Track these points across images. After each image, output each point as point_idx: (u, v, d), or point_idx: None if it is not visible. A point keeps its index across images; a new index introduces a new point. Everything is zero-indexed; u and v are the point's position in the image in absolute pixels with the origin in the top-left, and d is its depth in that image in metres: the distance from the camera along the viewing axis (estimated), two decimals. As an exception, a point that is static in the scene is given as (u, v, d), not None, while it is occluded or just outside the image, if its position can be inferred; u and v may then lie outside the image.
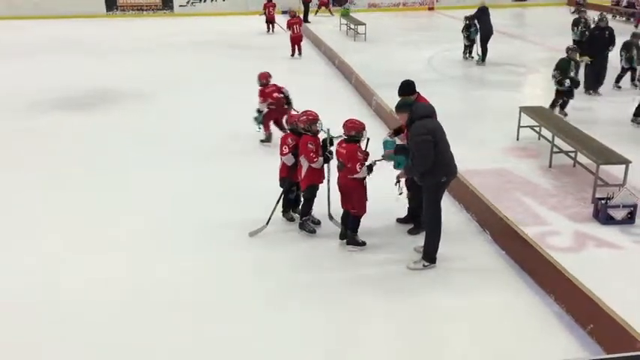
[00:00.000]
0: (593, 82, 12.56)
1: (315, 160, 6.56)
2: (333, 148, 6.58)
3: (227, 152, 9.54)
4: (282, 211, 7.14)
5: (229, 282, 6.00)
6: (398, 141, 6.66)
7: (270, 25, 22.34)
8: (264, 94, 9.70)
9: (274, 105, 9.61)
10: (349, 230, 6.59)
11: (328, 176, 6.81)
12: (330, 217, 7.06)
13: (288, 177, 6.90)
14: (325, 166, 6.72)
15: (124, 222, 7.22)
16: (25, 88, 14.09)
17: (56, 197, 7.91)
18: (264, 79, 9.86)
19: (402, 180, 6.48)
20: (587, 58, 12.25)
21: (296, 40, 17.78)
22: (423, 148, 5.81)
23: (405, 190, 6.61)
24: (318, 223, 7.04)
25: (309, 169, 6.65)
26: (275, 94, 9.66)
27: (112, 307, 5.58)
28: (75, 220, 7.27)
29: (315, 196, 6.87)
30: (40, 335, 5.22)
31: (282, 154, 6.83)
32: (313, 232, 6.87)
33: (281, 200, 7.00)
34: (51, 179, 8.50)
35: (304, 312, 5.54)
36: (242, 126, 10.82)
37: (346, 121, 6.45)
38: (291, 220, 7.15)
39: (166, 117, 11.72)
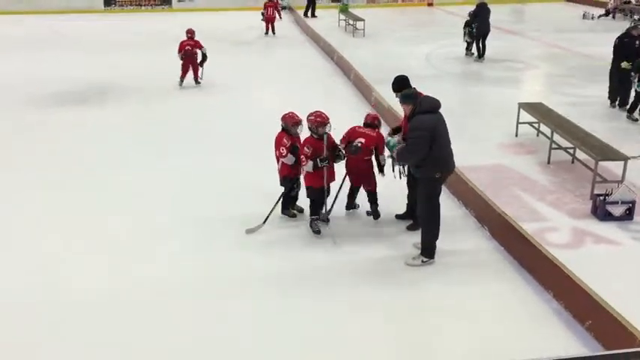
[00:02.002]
0: (620, 95, 11.34)
1: (303, 163, 6.53)
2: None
3: (227, 149, 9.52)
4: (282, 208, 7.12)
5: (230, 281, 5.98)
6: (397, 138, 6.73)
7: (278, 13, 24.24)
8: (181, 46, 13.18)
9: (184, 54, 13.09)
10: (374, 204, 7.06)
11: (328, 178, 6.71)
12: (327, 220, 6.94)
13: (289, 175, 6.86)
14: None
15: (124, 221, 7.18)
16: (23, 83, 14.05)
17: (56, 197, 7.86)
18: (189, 33, 13.29)
19: (399, 167, 6.58)
20: (626, 63, 10.92)
21: (269, 21, 20.54)
22: (416, 143, 5.85)
23: (403, 174, 6.68)
24: (327, 221, 6.89)
25: (307, 172, 6.62)
26: (187, 48, 13.09)
27: (112, 307, 5.56)
28: (74, 220, 7.23)
29: (320, 198, 6.72)
30: (39, 335, 5.20)
31: (281, 156, 6.73)
32: (318, 232, 6.79)
33: (281, 199, 7.01)
34: (50, 178, 8.46)
35: (303, 309, 5.55)
36: (241, 123, 10.85)
37: (369, 113, 7.32)
38: (293, 216, 7.14)
39: (165, 114, 11.70)
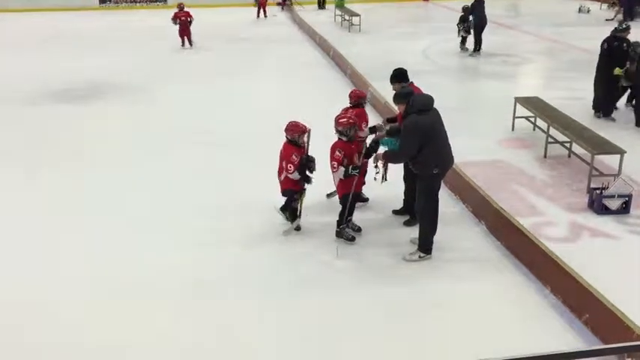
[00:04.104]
0: (606, 104, 10.56)
1: (334, 170, 6.27)
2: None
3: (226, 149, 9.47)
4: (283, 207, 6.87)
5: (229, 281, 5.95)
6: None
7: (283, 6, 26.43)
8: (175, 15, 17.81)
9: (179, 23, 17.72)
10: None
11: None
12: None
13: (292, 188, 6.60)
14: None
15: (124, 221, 7.15)
16: (18, 81, 14.03)
17: (54, 195, 7.85)
18: (180, 3, 17.92)
19: (381, 166, 6.46)
20: (618, 70, 10.12)
21: (261, 5, 24.28)
22: (406, 144, 5.84)
23: (387, 178, 6.60)
24: (359, 230, 6.72)
25: (340, 179, 6.34)
26: (182, 18, 17.69)
27: (111, 307, 5.54)
28: (74, 219, 7.22)
29: (351, 204, 6.41)
30: (38, 335, 5.19)
31: (287, 171, 6.44)
32: (353, 239, 6.54)
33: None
34: (48, 177, 8.46)
35: (301, 305, 5.55)
36: (241, 122, 10.83)
37: (354, 91, 7.31)
38: (290, 231, 6.76)
39: (163, 112, 11.68)
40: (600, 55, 10.45)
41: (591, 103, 10.79)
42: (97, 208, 7.48)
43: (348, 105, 7.20)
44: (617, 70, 10.13)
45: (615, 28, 10.49)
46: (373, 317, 5.36)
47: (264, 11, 24.24)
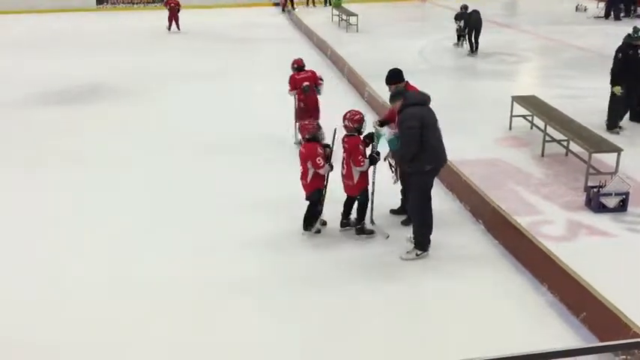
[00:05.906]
0: (620, 117, 9.77)
1: (362, 164, 6.28)
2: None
3: (224, 148, 9.45)
4: (306, 225, 6.66)
5: (228, 280, 5.95)
6: (385, 131, 6.60)
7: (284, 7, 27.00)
8: (166, 3, 21.47)
9: (169, 9, 21.14)
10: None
11: (373, 179, 6.59)
12: (372, 221, 6.81)
13: (320, 186, 6.53)
14: (371, 168, 6.46)
15: (124, 222, 7.14)
16: (17, 83, 14.03)
17: (54, 195, 7.86)
18: None
19: (393, 173, 6.52)
20: (618, 88, 9.47)
21: (284, 2, 26.67)
22: (409, 134, 5.85)
23: (395, 178, 6.63)
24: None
25: (361, 173, 6.37)
26: (172, 4, 21.12)
27: (112, 306, 5.54)
28: (74, 219, 7.21)
29: (368, 197, 6.55)
30: (38, 334, 5.18)
31: (318, 167, 6.33)
32: (372, 232, 6.63)
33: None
34: (48, 178, 8.46)
35: (300, 305, 5.55)
36: (238, 123, 10.82)
37: (295, 59, 8.97)
38: (319, 232, 6.69)
39: (162, 112, 11.69)
40: (615, 65, 9.65)
41: (588, 100, 10.63)
42: (97, 209, 7.47)
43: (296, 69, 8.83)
44: (617, 89, 9.46)
45: (629, 35, 9.67)
46: (372, 317, 5.36)
47: (284, 6, 26.49)
